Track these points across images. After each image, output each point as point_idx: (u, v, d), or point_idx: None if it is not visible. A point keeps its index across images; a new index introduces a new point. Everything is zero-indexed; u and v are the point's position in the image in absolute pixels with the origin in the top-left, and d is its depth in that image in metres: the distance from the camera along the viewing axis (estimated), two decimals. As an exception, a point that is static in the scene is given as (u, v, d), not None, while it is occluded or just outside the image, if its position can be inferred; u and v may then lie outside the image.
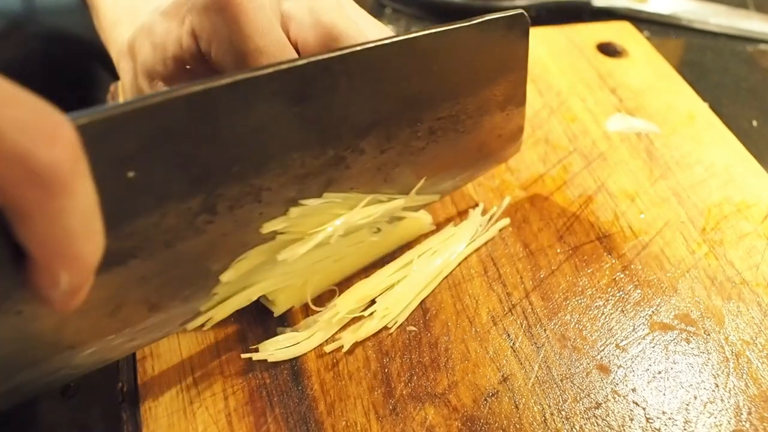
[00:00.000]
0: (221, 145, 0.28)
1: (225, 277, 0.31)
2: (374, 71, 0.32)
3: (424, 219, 0.41)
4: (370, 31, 0.35)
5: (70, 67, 0.62)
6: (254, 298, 0.34)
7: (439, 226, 0.41)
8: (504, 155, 0.43)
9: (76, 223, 0.20)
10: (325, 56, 0.30)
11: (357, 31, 0.34)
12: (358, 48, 0.31)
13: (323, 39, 0.33)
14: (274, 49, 0.32)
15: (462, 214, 0.42)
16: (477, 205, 0.43)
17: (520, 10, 0.36)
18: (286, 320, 0.37)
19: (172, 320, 0.32)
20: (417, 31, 0.33)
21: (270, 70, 0.28)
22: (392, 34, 0.35)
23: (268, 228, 0.31)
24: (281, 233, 0.32)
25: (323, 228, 0.34)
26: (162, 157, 0.26)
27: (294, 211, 0.32)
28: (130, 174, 0.25)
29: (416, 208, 0.39)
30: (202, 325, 0.34)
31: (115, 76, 0.41)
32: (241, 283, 0.33)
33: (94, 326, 0.28)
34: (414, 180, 0.37)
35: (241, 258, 0.31)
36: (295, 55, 0.32)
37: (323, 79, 0.30)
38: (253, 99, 0.28)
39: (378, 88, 0.32)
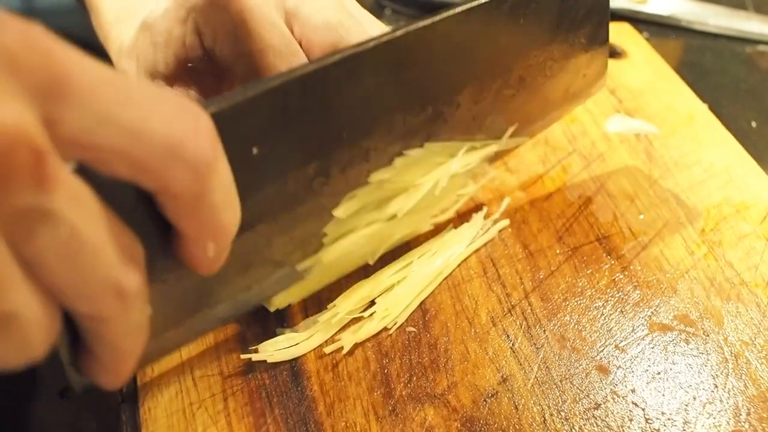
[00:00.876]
0: (332, 116, 0.31)
1: (337, 212, 0.34)
2: (463, 33, 0.34)
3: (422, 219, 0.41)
4: (373, 30, 0.36)
5: None
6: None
7: (438, 227, 0.41)
8: (590, 92, 0.44)
9: (219, 198, 0.23)
10: (419, 26, 0.32)
11: (360, 30, 0.34)
12: (448, 14, 0.33)
13: (327, 37, 0.34)
14: (279, 44, 0.32)
15: (462, 215, 0.42)
16: (480, 206, 0.43)
17: None
18: (286, 321, 0.37)
19: (293, 274, 0.35)
20: None
21: (372, 44, 0.31)
22: None
23: (375, 178, 0.34)
24: (388, 182, 0.35)
25: (425, 179, 0.37)
26: (281, 133, 0.29)
27: (398, 161, 0.35)
28: (255, 151, 0.28)
29: (509, 151, 0.42)
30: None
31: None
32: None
33: (228, 286, 0.31)
34: (506, 125, 0.39)
35: (351, 195, 0.34)
36: (300, 51, 0.33)
37: (419, 46, 0.33)
38: (359, 71, 0.31)
39: (469, 47, 0.35)
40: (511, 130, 0.40)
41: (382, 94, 0.33)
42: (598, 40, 0.41)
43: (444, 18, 0.33)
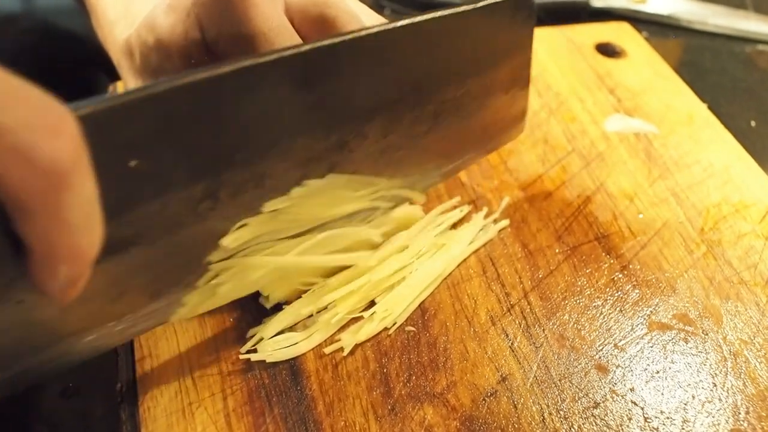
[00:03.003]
0: (224, 132, 0.28)
1: (225, 241, 0.31)
2: (378, 56, 0.32)
3: (414, 210, 0.40)
4: (372, 24, 0.36)
5: (65, 66, 0.62)
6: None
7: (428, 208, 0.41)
8: (508, 137, 0.42)
9: (76, 216, 0.21)
10: (329, 41, 0.30)
11: (359, 24, 0.34)
12: (363, 33, 0.30)
13: (326, 32, 0.34)
14: (282, 38, 0.32)
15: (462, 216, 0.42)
16: (476, 208, 0.43)
17: None
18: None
19: (173, 306, 0.32)
20: (421, 15, 0.32)
21: (274, 56, 0.28)
22: None
23: (269, 207, 0.31)
24: (284, 213, 0.32)
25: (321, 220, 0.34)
26: (165, 145, 0.26)
27: (296, 191, 0.32)
28: (133, 163, 0.25)
29: (421, 191, 0.39)
30: (203, 318, 0.34)
31: (111, 77, 0.41)
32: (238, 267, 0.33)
33: (96, 313, 0.28)
34: (417, 163, 0.37)
35: (242, 224, 0.31)
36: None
37: (327, 64, 0.30)
38: (257, 85, 0.28)
39: (382, 73, 0.32)
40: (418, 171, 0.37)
41: (282, 114, 0.30)
42: (520, 82, 0.39)
43: (355, 37, 0.30)
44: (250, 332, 0.35)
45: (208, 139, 0.28)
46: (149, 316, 0.31)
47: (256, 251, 0.33)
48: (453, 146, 0.39)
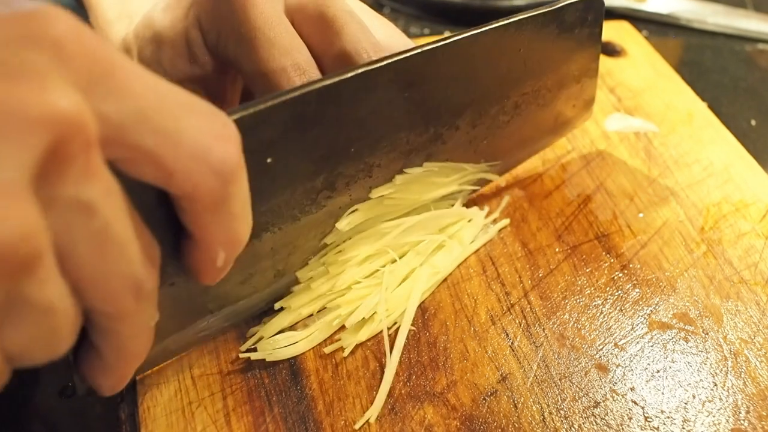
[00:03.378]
0: (343, 130, 0.32)
1: (340, 224, 0.35)
2: (468, 58, 0.36)
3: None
4: (372, 22, 0.36)
5: None
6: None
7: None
8: (577, 122, 0.46)
9: (238, 207, 0.24)
10: (432, 46, 0.34)
11: (357, 25, 0.34)
12: (458, 37, 0.35)
13: (324, 33, 0.34)
14: (283, 39, 0.32)
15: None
16: (480, 205, 0.43)
17: None
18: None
19: (292, 283, 0.36)
20: (507, 19, 0.36)
21: (387, 61, 0.32)
22: (392, 24, 0.36)
23: (376, 193, 0.36)
24: (388, 198, 0.36)
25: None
26: (294, 143, 0.30)
27: (399, 179, 0.36)
28: (269, 160, 0.29)
29: (499, 174, 0.43)
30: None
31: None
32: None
33: (230, 293, 0.32)
34: (500, 149, 0.41)
35: (353, 209, 0.35)
36: (304, 46, 0.33)
37: (429, 66, 0.34)
38: (372, 87, 0.32)
39: (471, 73, 0.36)
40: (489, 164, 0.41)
41: (391, 112, 0.34)
42: (589, 73, 0.43)
43: (452, 42, 0.34)
44: (250, 332, 0.35)
45: (329, 137, 0.32)
46: (274, 291, 0.35)
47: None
48: (531, 133, 0.43)
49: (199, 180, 0.22)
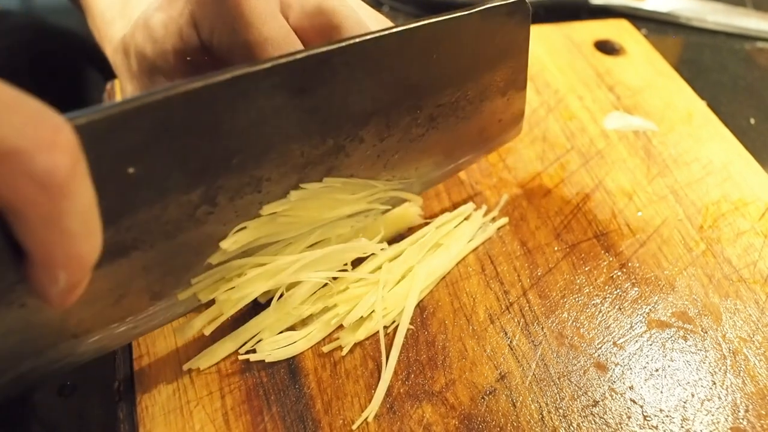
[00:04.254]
0: (221, 139, 0.29)
1: (224, 244, 0.31)
2: (374, 62, 0.32)
3: (411, 210, 0.40)
4: (369, 19, 0.35)
5: (60, 63, 0.62)
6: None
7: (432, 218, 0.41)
8: (504, 139, 0.43)
9: (75, 224, 0.21)
10: (324, 49, 0.30)
11: (356, 19, 0.34)
12: (357, 40, 0.31)
13: (322, 27, 0.34)
14: (278, 36, 0.32)
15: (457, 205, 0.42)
16: (475, 205, 0.42)
17: None
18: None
19: (175, 307, 0.32)
20: (418, 21, 0.33)
21: (269, 64, 0.29)
22: (390, 23, 0.36)
23: (267, 210, 0.32)
24: (282, 215, 0.33)
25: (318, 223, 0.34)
26: (162, 152, 0.27)
27: (294, 194, 0.33)
28: (131, 170, 0.26)
29: (418, 192, 0.40)
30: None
31: (106, 75, 0.41)
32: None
33: (98, 316, 0.29)
34: (414, 166, 0.37)
35: (241, 227, 0.32)
36: (299, 42, 0.33)
37: (323, 70, 0.30)
38: (253, 93, 0.29)
39: (378, 78, 0.33)
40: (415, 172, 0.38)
41: (278, 120, 0.30)
42: (516, 85, 0.40)
43: (350, 44, 0.31)
44: (245, 329, 0.35)
45: (205, 146, 0.28)
46: (152, 317, 0.32)
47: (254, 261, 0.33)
48: (450, 148, 0.39)
49: (20, 193, 0.19)
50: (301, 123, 0.31)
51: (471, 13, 0.34)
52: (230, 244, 0.31)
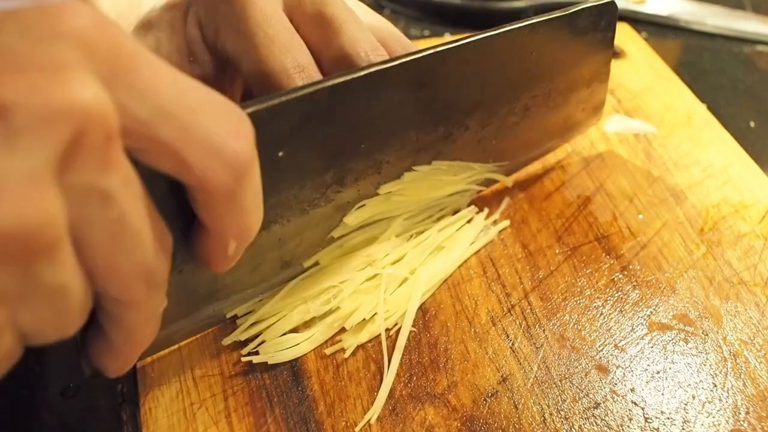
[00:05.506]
0: (353, 127, 0.33)
1: (348, 219, 0.36)
2: (479, 59, 0.36)
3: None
4: (371, 23, 0.36)
5: None
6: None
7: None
8: (586, 126, 0.46)
9: (249, 200, 0.24)
10: (443, 48, 0.34)
11: (356, 24, 0.34)
12: (471, 39, 0.35)
13: (322, 31, 0.34)
14: (283, 37, 0.32)
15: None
16: (477, 208, 0.43)
17: None
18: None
19: (297, 273, 0.36)
20: (519, 24, 0.37)
21: (399, 61, 0.33)
22: (391, 25, 0.37)
23: (384, 189, 0.37)
24: (396, 194, 0.37)
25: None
26: (306, 138, 0.31)
27: (407, 176, 0.37)
28: (281, 153, 0.30)
29: (507, 174, 0.44)
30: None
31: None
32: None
33: (238, 282, 0.33)
34: (508, 150, 0.42)
35: (361, 205, 0.36)
36: (303, 44, 0.33)
37: (440, 67, 0.34)
38: (384, 86, 0.33)
39: (482, 74, 0.37)
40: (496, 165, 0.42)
41: (401, 111, 0.34)
42: (600, 77, 0.44)
43: (464, 44, 0.35)
44: (245, 328, 0.35)
45: (340, 133, 0.32)
46: (280, 281, 0.36)
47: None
48: (539, 135, 0.43)
49: (214, 174, 0.22)
50: (418, 113, 0.35)
51: (567, 14, 0.39)
52: (352, 219, 0.36)
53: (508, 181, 0.44)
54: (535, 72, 0.39)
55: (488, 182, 0.43)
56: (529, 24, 0.37)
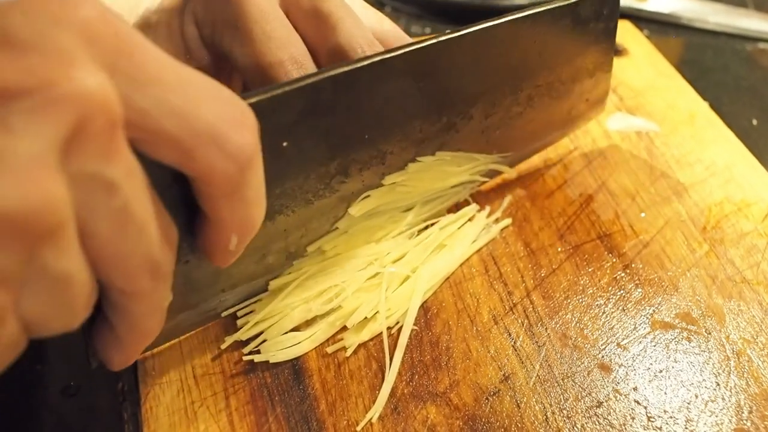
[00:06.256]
0: (357, 117, 0.33)
1: (352, 210, 0.36)
2: (484, 49, 0.36)
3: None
4: (368, 18, 0.36)
5: None
6: None
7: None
8: (589, 116, 0.46)
9: (251, 193, 0.24)
10: (446, 37, 0.34)
11: (352, 21, 0.34)
12: (473, 29, 0.35)
13: (319, 29, 0.34)
14: (280, 32, 0.32)
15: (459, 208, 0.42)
16: (479, 206, 0.43)
17: None
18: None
19: (305, 266, 0.36)
20: (521, 13, 0.37)
21: (402, 51, 0.33)
22: (391, 22, 0.37)
23: (389, 180, 0.36)
24: (400, 185, 0.37)
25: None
26: (310, 128, 0.31)
27: (412, 167, 0.37)
28: (285, 144, 0.30)
29: (511, 165, 0.44)
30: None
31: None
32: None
33: (243, 272, 0.33)
34: (512, 140, 0.42)
35: (366, 195, 0.36)
36: (300, 39, 0.33)
37: (443, 57, 0.34)
38: (387, 76, 0.33)
39: (486, 64, 0.37)
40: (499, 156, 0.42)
41: (405, 101, 0.34)
42: (603, 67, 0.44)
43: (467, 34, 0.35)
44: (245, 327, 0.35)
45: (344, 123, 0.32)
46: (285, 272, 0.36)
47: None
48: (543, 125, 0.43)
49: (217, 165, 0.22)
50: (422, 103, 0.35)
51: (569, 4, 0.39)
52: (357, 210, 0.36)
53: (512, 172, 0.44)
54: (538, 62, 0.39)
55: (491, 173, 0.43)
56: (531, 14, 0.37)
